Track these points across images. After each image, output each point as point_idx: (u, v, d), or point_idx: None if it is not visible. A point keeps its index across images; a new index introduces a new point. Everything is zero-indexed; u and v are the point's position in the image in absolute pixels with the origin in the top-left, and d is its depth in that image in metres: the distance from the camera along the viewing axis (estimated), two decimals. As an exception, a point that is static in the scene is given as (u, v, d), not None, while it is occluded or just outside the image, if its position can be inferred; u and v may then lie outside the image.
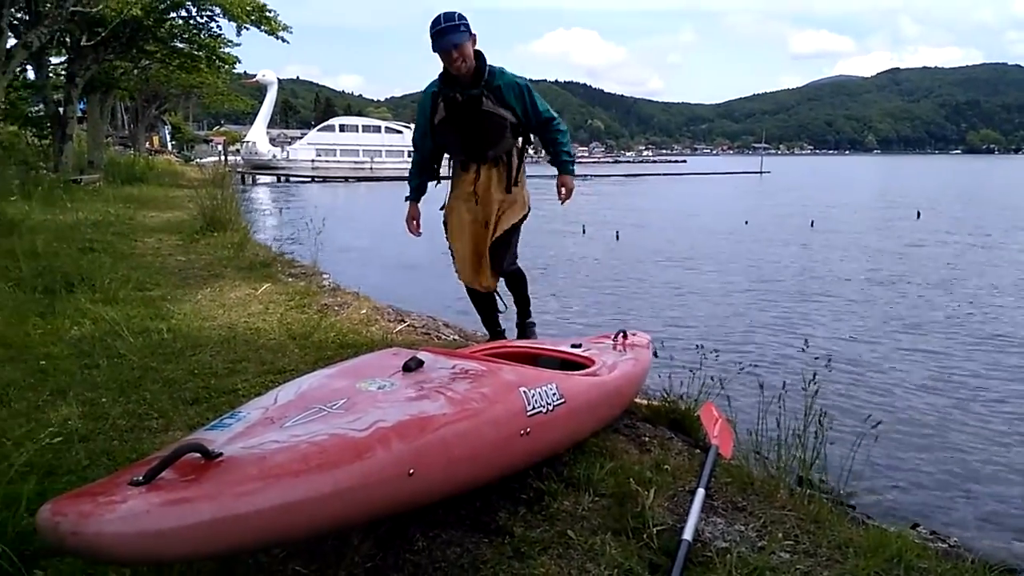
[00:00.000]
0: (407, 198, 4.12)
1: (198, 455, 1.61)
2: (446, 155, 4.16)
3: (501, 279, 4.20)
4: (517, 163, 4.01)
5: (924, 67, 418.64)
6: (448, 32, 3.57)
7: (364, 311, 5.51)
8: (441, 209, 4.14)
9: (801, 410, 3.28)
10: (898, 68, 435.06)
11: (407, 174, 4.24)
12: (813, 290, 11.98)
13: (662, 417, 3.63)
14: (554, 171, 4.03)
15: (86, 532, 1.40)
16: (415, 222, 4.09)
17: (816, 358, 4.66)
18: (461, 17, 3.61)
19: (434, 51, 3.61)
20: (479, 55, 3.72)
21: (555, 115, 3.99)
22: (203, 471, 1.59)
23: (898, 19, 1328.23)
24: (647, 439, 3.26)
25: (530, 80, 3.90)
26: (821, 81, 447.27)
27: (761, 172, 69.11)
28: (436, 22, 3.59)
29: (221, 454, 1.65)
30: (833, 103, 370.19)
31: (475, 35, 3.66)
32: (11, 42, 13.33)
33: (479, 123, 3.78)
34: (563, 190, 4.07)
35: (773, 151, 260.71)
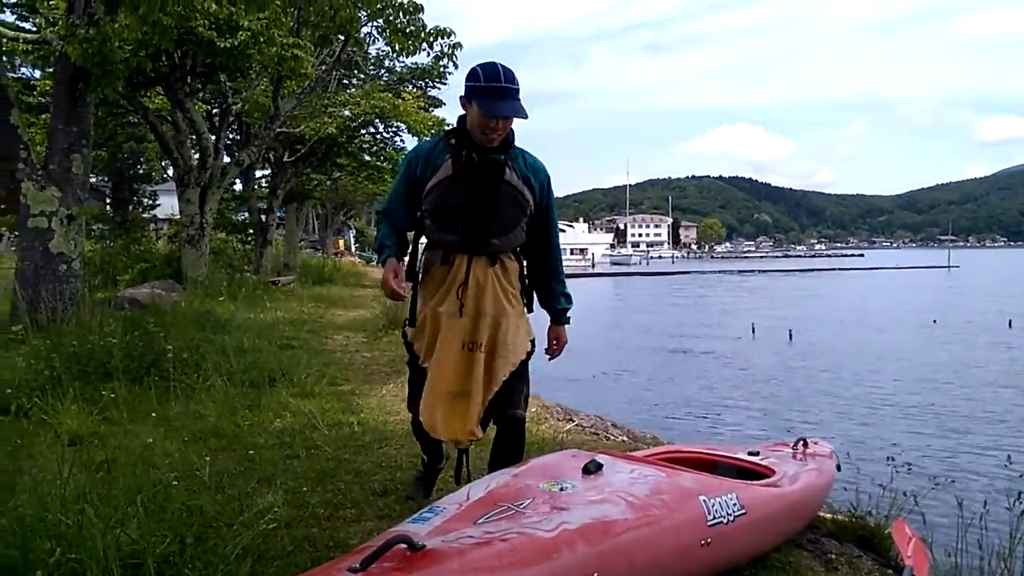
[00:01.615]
0: (383, 257, 2.88)
1: (405, 546, 1.76)
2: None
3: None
4: (521, 271, 3.03)
5: None
6: (512, 96, 2.75)
7: (534, 409, 5.64)
8: (407, 325, 3.03)
9: (1006, 531, 3.03)
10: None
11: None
12: (1014, 398, 10.93)
13: (849, 533, 3.44)
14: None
15: (312, 613, 1.56)
16: (397, 278, 2.80)
17: (1021, 475, 4.28)
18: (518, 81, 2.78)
19: (480, 106, 2.74)
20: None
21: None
22: (410, 562, 1.73)
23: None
24: (833, 556, 3.11)
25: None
26: (1012, 169, 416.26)
27: (949, 266, 64.59)
28: (495, 75, 2.73)
29: (424, 546, 1.79)
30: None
31: None
32: (225, 160, 15.11)
33: (495, 197, 2.85)
34: (555, 343, 3.11)
35: (961, 243, 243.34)
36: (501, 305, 2.88)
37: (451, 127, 2.95)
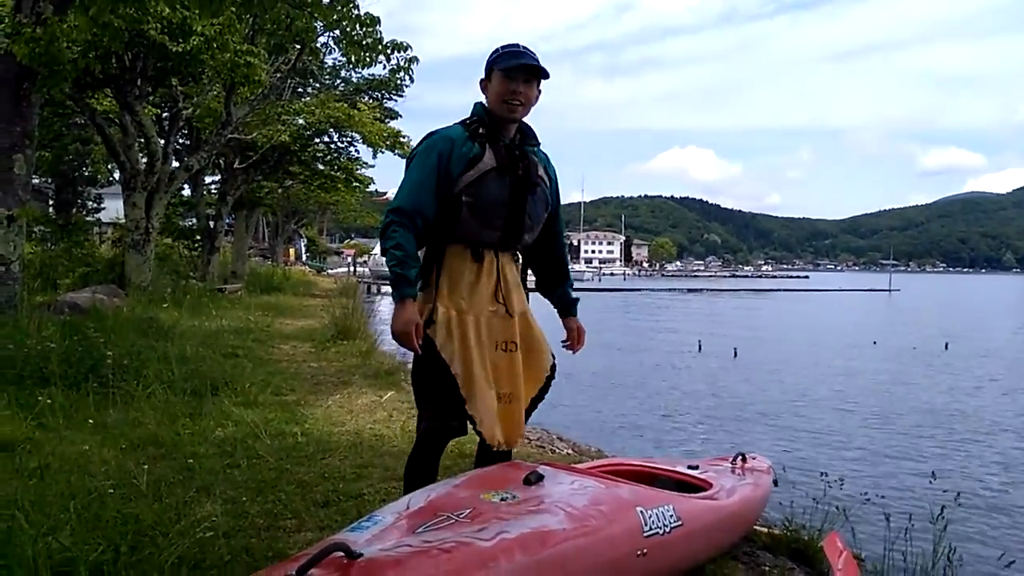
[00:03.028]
0: (404, 293, 2.55)
1: (342, 554, 1.77)
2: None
3: None
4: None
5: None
6: (532, 58, 2.71)
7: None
8: (426, 324, 2.63)
9: (930, 544, 3.15)
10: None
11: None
12: (945, 418, 11.35)
13: (783, 546, 3.53)
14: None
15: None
16: (417, 332, 2.56)
17: (945, 491, 4.46)
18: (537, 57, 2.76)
19: (500, 69, 2.68)
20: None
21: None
22: (347, 570, 1.73)
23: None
24: (767, 569, 3.19)
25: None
26: (952, 197, 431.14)
27: (890, 290, 66.43)
28: (514, 45, 2.75)
29: (362, 555, 1.80)
30: (966, 220, 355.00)
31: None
32: (174, 164, 14.85)
33: (532, 192, 2.76)
34: (578, 334, 3.04)
35: (903, 268, 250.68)
36: (524, 301, 2.83)
37: (468, 119, 2.77)
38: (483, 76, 2.77)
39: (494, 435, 2.66)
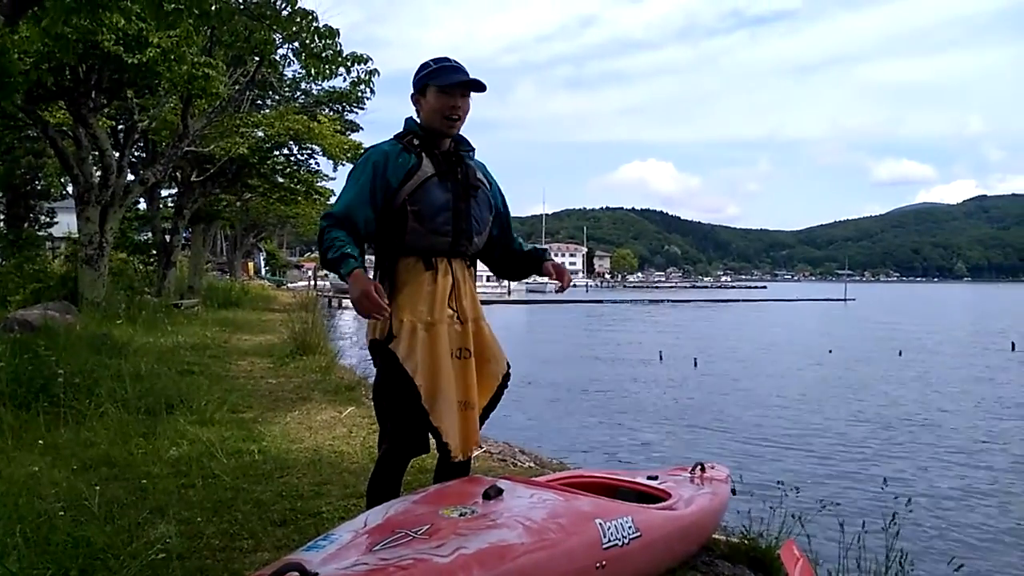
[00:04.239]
0: (350, 268, 2.51)
1: (297, 574, 1.75)
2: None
3: None
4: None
5: (1013, 194, 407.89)
6: (466, 70, 2.72)
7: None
8: (387, 339, 2.64)
9: (883, 550, 3.21)
10: (985, 195, 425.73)
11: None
12: (898, 424, 11.59)
13: (741, 555, 3.56)
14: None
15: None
16: (377, 292, 2.46)
17: (896, 497, 4.55)
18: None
19: (436, 84, 2.67)
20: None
21: None
22: (301, 591, 1.71)
23: (982, 147, 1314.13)
24: (725, 577, 3.21)
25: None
26: (905, 208, 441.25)
27: (845, 299, 67.75)
28: (445, 58, 2.74)
29: (317, 574, 1.78)
30: (919, 230, 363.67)
31: None
32: (129, 178, 14.61)
33: (474, 196, 2.77)
34: (559, 271, 2.98)
35: (857, 278, 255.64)
36: (478, 308, 2.82)
37: (401, 133, 2.77)
38: (414, 91, 2.76)
39: (457, 446, 2.66)
